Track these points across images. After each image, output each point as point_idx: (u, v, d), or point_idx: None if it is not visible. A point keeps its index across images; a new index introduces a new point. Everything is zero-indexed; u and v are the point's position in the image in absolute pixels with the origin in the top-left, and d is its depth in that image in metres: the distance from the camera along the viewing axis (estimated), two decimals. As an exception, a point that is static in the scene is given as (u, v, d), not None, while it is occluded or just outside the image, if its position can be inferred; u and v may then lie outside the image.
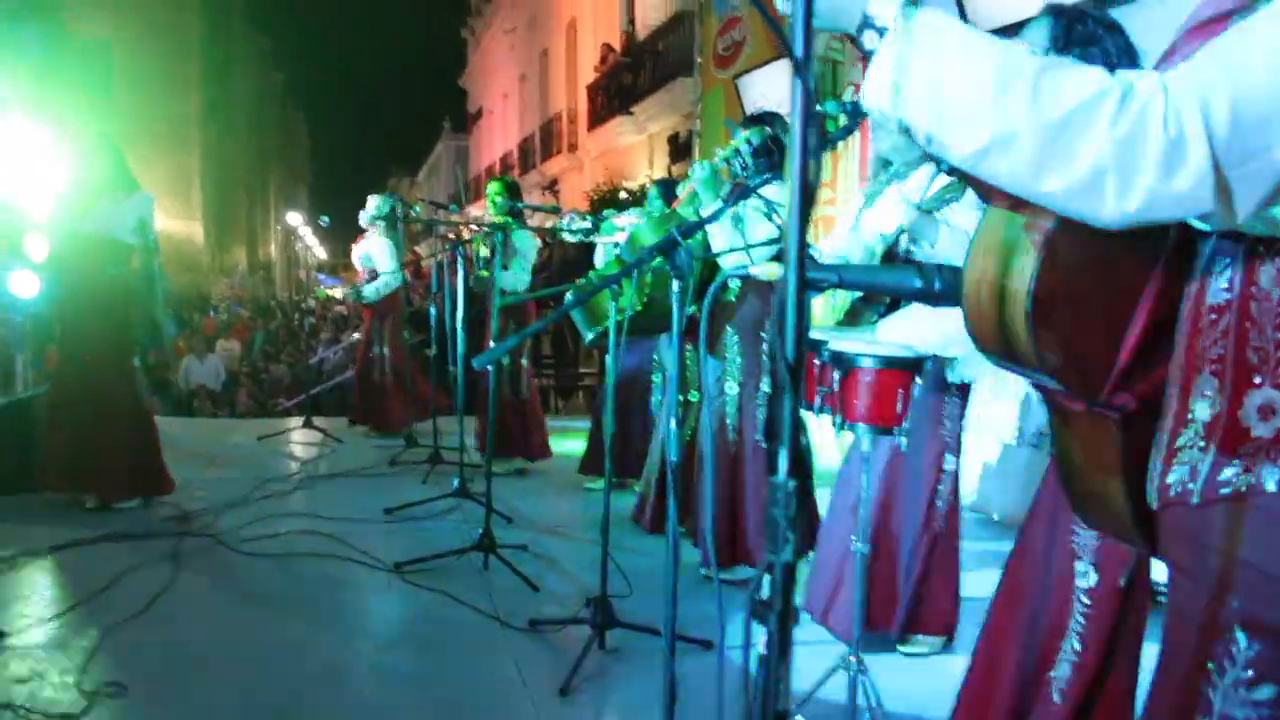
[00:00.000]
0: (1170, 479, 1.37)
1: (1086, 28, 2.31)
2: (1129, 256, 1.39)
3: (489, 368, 5.54)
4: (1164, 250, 1.39)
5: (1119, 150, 1.11)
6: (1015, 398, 5.55)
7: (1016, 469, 5.51)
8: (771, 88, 8.32)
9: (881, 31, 1.24)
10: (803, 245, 1.06)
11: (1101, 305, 1.41)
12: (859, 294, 3.35)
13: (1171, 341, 1.40)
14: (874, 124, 4.57)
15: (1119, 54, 2.32)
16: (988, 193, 1.44)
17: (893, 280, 1.70)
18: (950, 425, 3.43)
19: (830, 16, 1.27)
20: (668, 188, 5.85)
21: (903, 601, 3.52)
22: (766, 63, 8.46)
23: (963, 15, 5.68)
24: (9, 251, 7.34)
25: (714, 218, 2.50)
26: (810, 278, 1.81)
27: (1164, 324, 1.40)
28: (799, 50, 1.00)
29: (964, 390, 3.46)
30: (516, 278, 6.54)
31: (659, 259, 2.26)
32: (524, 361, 6.79)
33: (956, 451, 3.49)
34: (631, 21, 20.48)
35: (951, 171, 1.35)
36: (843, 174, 7.60)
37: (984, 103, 1.15)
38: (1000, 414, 5.65)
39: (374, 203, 8.13)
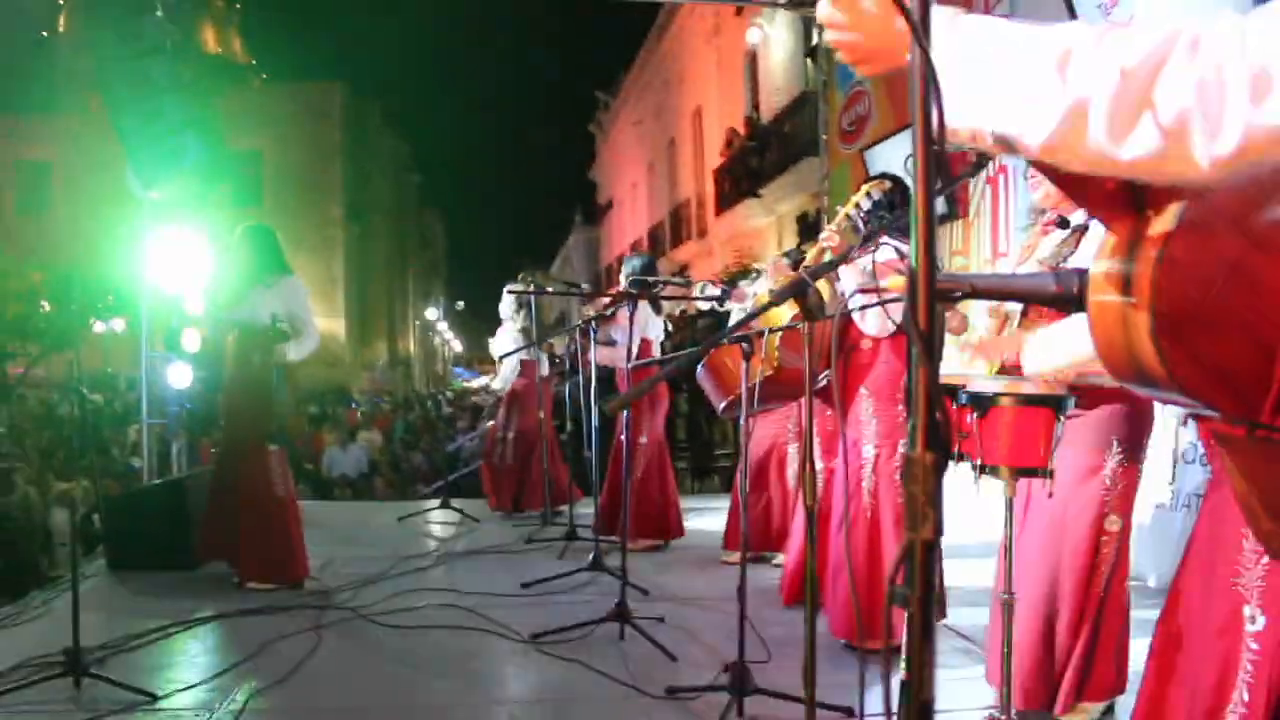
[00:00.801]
0: None
1: None
2: (1268, 257, 1.28)
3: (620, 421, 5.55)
4: None
5: (1198, 91, 1.04)
6: (1168, 458, 5.30)
7: (1172, 533, 5.24)
8: (898, 158, 8.27)
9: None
10: (931, 239, 1.03)
11: (1243, 314, 1.30)
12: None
13: None
14: (1025, 172, 4.48)
15: None
16: (1096, 208, 1.35)
17: (1028, 286, 1.63)
18: (1111, 482, 3.24)
19: (885, 60, 1.25)
20: (798, 258, 5.85)
21: (1068, 672, 3.34)
22: (893, 134, 8.44)
23: (1072, 15, 5.60)
24: (167, 344, 7.74)
25: (843, 259, 2.47)
26: (941, 285, 1.78)
27: None
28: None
29: (1132, 444, 3.26)
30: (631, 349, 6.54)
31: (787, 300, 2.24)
32: (642, 440, 6.71)
33: (1122, 511, 3.30)
34: (756, 106, 20.73)
35: (1061, 184, 1.27)
36: (975, 240, 7.48)
37: (1049, 82, 1.10)
38: (1153, 474, 5.39)
39: (509, 300, 8.30)
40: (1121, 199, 1.21)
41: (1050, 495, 2.83)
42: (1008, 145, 1.17)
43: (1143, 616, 4.66)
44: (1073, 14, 5.68)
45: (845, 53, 1.31)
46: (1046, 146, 1.13)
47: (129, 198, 7.60)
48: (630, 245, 33.36)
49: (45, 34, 34.80)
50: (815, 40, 13.79)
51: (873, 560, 4.35)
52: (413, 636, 4.67)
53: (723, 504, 7.53)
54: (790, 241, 18.22)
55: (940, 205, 7.49)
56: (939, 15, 1.21)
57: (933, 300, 0.97)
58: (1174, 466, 5.32)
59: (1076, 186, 1.22)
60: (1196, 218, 1.19)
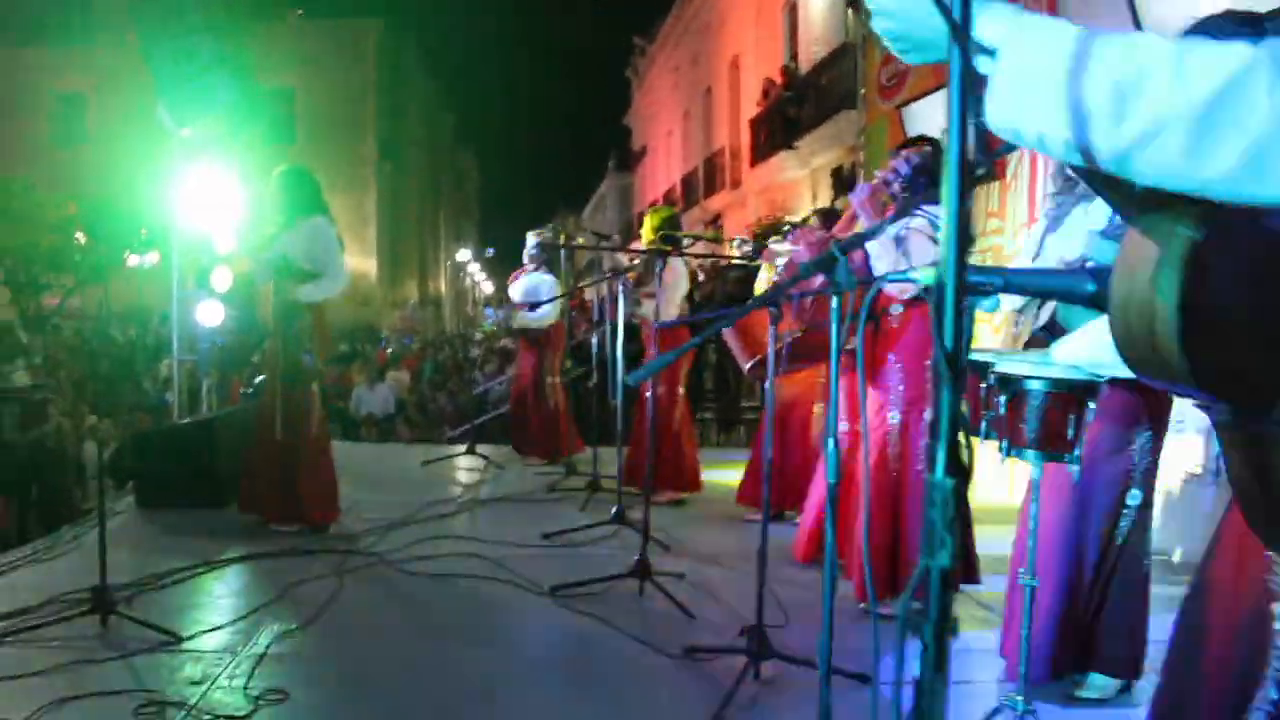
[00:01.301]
0: None
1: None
2: None
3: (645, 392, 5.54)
4: None
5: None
6: (1200, 430, 5.23)
7: (1202, 507, 5.19)
8: (936, 116, 8.15)
9: (993, 53, 1.17)
10: (964, 234, 1.01)
11: (1267, 313, 1.29)
12: (1035, 328, 3.21)
13: None
14: None
15: None
16: (1127, 203, 1.32)
17: (1063, 284, 1.60)
18: (1138, 459, 3.22)
19: (936, 50, 1.21)
20: (828, 216, 5.79)
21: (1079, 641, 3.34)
22: (931, 92, 8.30)
23: (1137, 25, 5.46)
24: (197, 283, 7.78)
25: (873, 233, 2.43)
26: (972, 281, 1.75)
27: None
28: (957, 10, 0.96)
29: (1159, 421, 3.25)
30: (665, 309, 6.51)
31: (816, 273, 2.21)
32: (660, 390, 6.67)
33: (1144, 486, 3.28)
34: (794, 56, 20.45)
35: (1090, 181, 1.23)
36: (1011, 203, 7.37)
37: (1127, 96, 1.07)
38: (1184, 447, 5.33)
39: (533, 239, 8.30)
40: (1151, 199, 1.19)
41: (1077, 483, 2.81)
42: (1073, 151, 1.13)
43: (1164, 593, 4.66)
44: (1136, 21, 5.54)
45: (892, 41, 1.28)
46: (1119, 159, 1.09)
47: (162, 132, 7.60)
48: (663, 192, 33.19)
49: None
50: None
51: (897, 525, 4.35)
52: (434, 585, 4.72)
53: (745, 457, 7.54)
54: (824, 195, 18.06)
55: (983, 163, 7.38)
56: (1002, 10, 1.18)
57: (960, 330, 0.95)
58: (1206, 437, 5.25)
59: (1109, 186, 1.19)
60: (1224, 218, 1.17)
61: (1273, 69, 1.02)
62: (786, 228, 6.14)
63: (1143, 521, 3.32)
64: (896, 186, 4.20)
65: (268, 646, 3.80)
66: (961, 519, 3.34)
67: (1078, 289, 1.56)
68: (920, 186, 4.19)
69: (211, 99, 7.49)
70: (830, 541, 2.35)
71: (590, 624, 4.20)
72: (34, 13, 32.74)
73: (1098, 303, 1.54)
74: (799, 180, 19.96)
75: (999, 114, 1.16)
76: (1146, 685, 3.29)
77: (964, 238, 0.99)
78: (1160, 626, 3.56)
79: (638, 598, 4.54)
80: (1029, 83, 1.13)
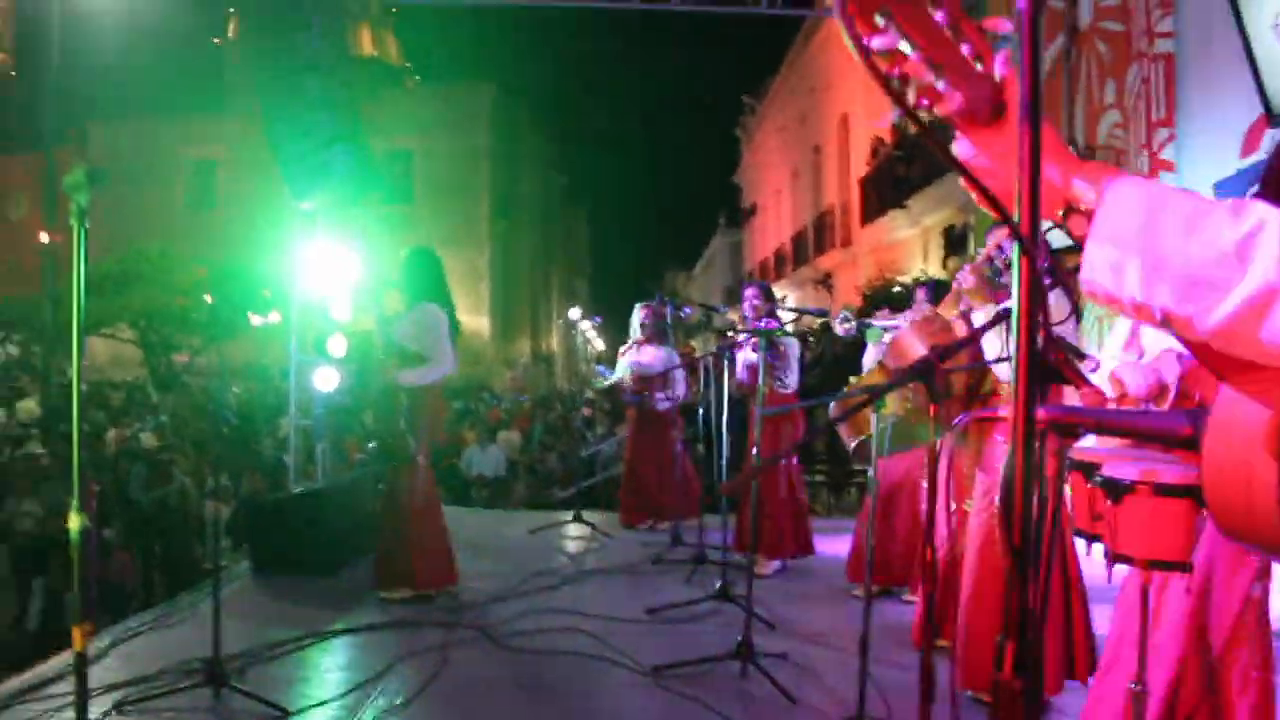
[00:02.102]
0: None
1: None
2: None
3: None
4: None
5: None
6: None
7: None
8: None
9: (1089, 214, 1.14)
10: (1033, 363, 0.98)
11: None
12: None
13: None
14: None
15: None
16: (1227, 372, 1.25)
17: (1158, 425, 1.54)
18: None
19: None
20: (936, 289, 5.72)
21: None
22: (1044, 155, 8.19)
23: (1258, 80, 5.29)
24: (314, 348, 8.01)
25: (969, 341, 2.38)
26: (1060, 422, 1.70)
27: None
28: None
29: None
30: (783, 383, 6.51)
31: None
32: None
33: (1266, 574, 3.12)
34: (904, 117, 20.33)
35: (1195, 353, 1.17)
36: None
37: (1229, 265, 1.02)
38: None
39: (639, 316, 8.33)
40: (1258, 369, 1.12)
41: (1189, 590, 2.69)
42: (1170, 324, 1.09)
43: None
44: (1244, 37, 5.40)
45: (982, 200, 1.26)
46: (1219, 332, 1.04)
47: (286, 199, 7.91)
48: (774, 250, 33.18)
49: (216, 40, 36.55)
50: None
51: (1002, 609, 4.22)
52: (537, 661, 4.73)
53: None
54: (935, 254, 17.86)
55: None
56: (1099, 168, 1.15)
57: (1028, 511, 0.92)
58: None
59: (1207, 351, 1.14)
60: None
61: None
62: (883, 317, 6.05)
63: (1265, 614, 3.16)
64: (1000, 264, 4.13)
65: (371, 725, 3.86)
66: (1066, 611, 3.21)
67: (1176, 431, 1.51)
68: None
69: (330, 174, 7.76)
70: (925, 648, 2.29)
71: (691, 707, 4.16)
72: (171, 82, 34.53)
73: (1194, 446, 1.48)
74: (910, 239, 19.78)
75: (1098, 282, 1.12)
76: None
77: (1032, 391, 0.97)
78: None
79: (739, 679, 4.48)
80: (1122, 251, 1.10)
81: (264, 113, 7.92)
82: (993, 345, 4.08)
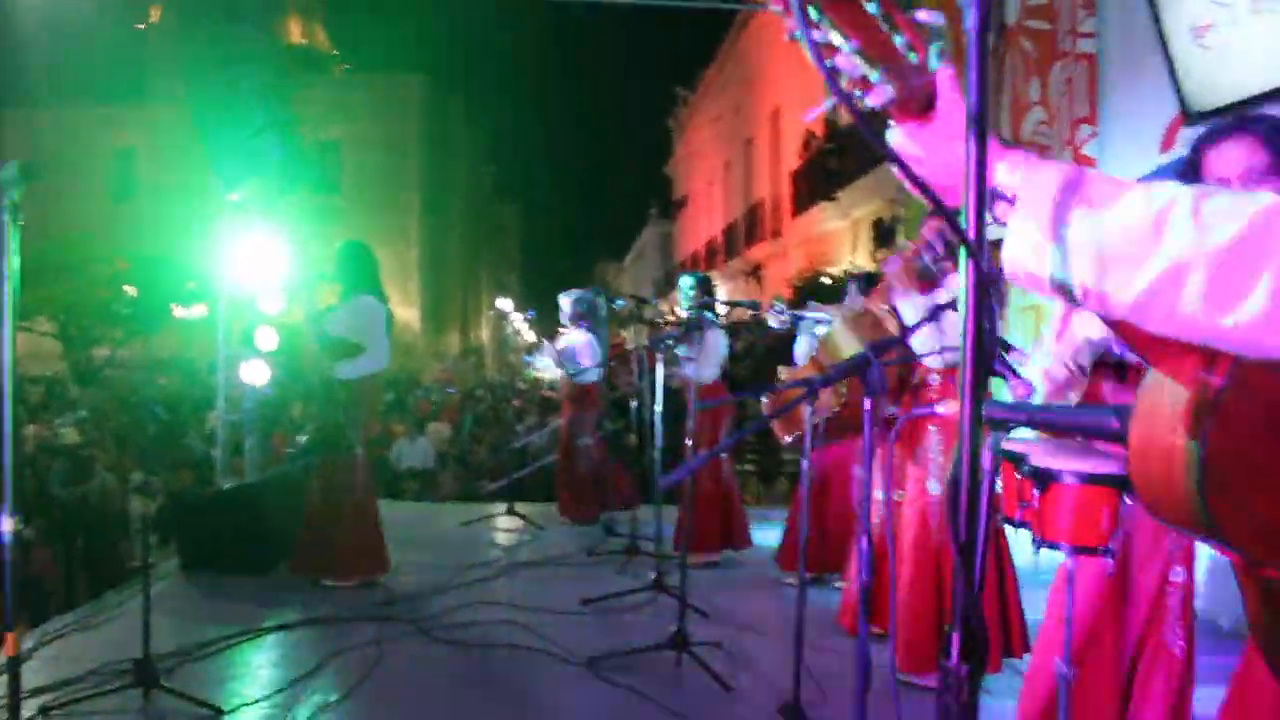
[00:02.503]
0: None
1: None
2: None
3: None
4: None
5: None
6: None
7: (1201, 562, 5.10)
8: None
9: (1012, 201, 1.18)
10: (980, 371, 1.02)
11: None
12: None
13: None
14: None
15: None
16: (1147, 351, 1.31)
17: (1088, 421, 1.61)
18: (1179, 536, 3.18)
19: (953, 196, 1.22)
20: (867, 281, 5.80)
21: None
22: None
23: (1175, 81, 5.43)
24: (242, 341, 7.89)
25: (901, 340, 2.42)
26: (997, 418, 1.75)
27: None
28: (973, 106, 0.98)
29: None
30: (701, 372, 6.54)
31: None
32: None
33: (1186, 562, 3.23)
34: (835, 108, 20.52)
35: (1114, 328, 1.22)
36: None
37: (1143, 242, 1.06)
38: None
39: (567, 303, 8.33)
40: (1175, 345, 1.18)
41: (1111, 574, 2.79)
42: (1089, 299, 1.14)
43: (1212, 662, 4.57)
44: (1163, 39, 5.53)
45: (915, 189, 1.29)
46: (1136, 306, 1.09)
47: (210, 188, 7.78)
48: (705, 242, 33.31)
49: (139, 26, 35.75)
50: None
51: (940, 597, 4.31)
52: (472, 654, 4.73)
53: (784, 515, 7.49)
54: (865, 246, 18.05)
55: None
56: (1017, 158, 1.19)
57: (976, 495, 0.96)
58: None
59: (1127, 330, 1.19)
60: (1244, 367, 1.16)
61: None
62: (813, 310, 6.11)
63: (1189, 597, 3.27)
64: (928, 259, 4.21)
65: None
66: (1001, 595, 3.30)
67: (1104, 426, 1.57)
68: (954, 258, 4.22)
69: (261, 163, 7.64)
70: (862, 637, 2.34)
71: (626, 698, 4.19)
72: (91, 68, 33.69)
73: (1123, 439, 1.54)
74: (840, 231, 19.99)
75: (1020, 261, 1.16)
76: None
77: (979, 387, 1.00)
78: (1204, 699, 3.51)
79: (675, 668, 4.52)
80: (1042, 231, 1.14)
81: (192, 101, 7.76)
82: (923, 338, 4.16)
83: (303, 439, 7.60)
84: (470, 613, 5.37)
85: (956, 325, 2.98)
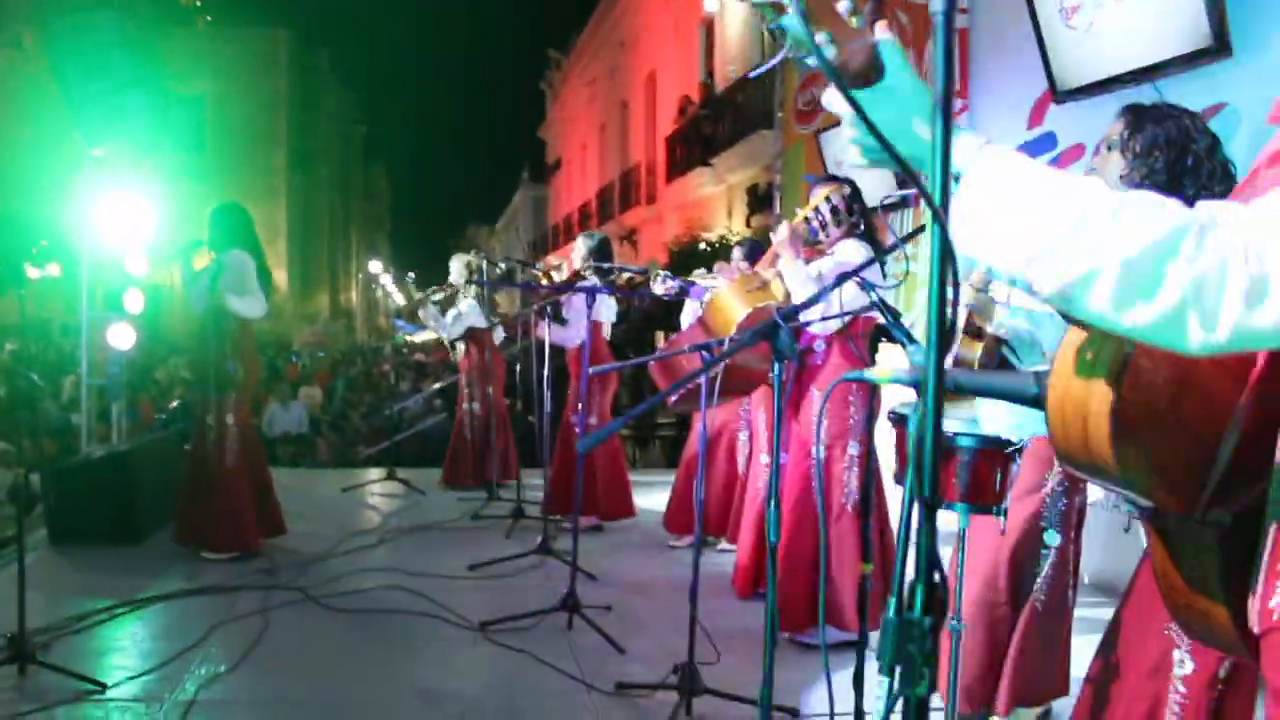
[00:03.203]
0: (1273, 602, 1.30)
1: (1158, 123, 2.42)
2: (1218, 369, 1.36)
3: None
4: (1255, 359, 1.36)
5: (1199, 285, 1.10)
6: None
7: (1099, 530, 5.38)
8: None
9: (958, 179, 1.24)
10: (943, 339, 1.07)
11: (1190, 420, 1.39)
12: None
13: (1271, 453, 1.33)
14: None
15: (1207, 154, 2.40)
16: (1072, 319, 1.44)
17: (1008, 387, 1.70)
18: (1051, 500, 3.35)
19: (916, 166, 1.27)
20: (753, 248, 5.89)
21: (1004, 677, 3.45)
22: (848, 119, 8.48)
23: (1045, 59, 5.62)
24: (106, 304, 7.61)
25: (810, 304, 2.48)
26: (913, 380, 1.83)
27: (1263, 434, 1.35)
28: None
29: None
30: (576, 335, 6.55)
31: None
32: (591, 420, 6.72)
33: (1061, 528, 3.40)
34: (710, 74, 20.66)
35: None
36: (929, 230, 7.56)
37: (1064, 241, 1.14)
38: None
39: (458, 266, 8.26)
40: None
41: (1003, 532, 2.92)
42: (1017, 284, 1.21)
43: (1077, 614, 4.81)
44: (1034, 18, 5.71)
45: (865, 152, 1.34)
46: (1054, 296, 1.18)
47: (62, 137, 7.45)
48: (578, 206, 33.21)
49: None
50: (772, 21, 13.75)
51: (818, 555, 4.43)
52: (362, 621, 4.69)
53: (663, 478, 7.59)
54: (740, 212, 18.25)
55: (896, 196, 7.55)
56: (969, 139, 1.25)
57: (936, 467, 1.01)
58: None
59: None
60: None
61: (1198, 238, 1.10)
62: (701, 271, 6.16)
63: (1064, 561, 3.44)
64: (815, 225, 4.32)
65: (196, 692, 3.74)
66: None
67: (1023, 391, 1.65)
68: (840, 222, 4.33)
69: (126, 116, 7.33)
70: (772, 595, 2.41)
71: (521, 660, 4.22)
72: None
73: (1040, 404, 1.63)
74: (715, 197, 20.16)
75: (959, 241, 1.23)
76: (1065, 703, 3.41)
77: (942, 354, 1.05)
78: (1076, 647, 3.72)
79: (567, 632, 4.57)
80: (985, 216, 1.20)
81: (50, 50, 7.41)
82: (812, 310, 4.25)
83: (176, 404, 7.39)
84: (357, 579, 5.32)
85: (846, 293, 3.06)
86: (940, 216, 1.02)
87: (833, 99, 1.29)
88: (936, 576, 1.02)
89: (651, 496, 7.20)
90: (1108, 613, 2.46)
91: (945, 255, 1.02)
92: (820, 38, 1.15)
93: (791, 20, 1.12)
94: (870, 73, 1.24)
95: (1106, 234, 1.12)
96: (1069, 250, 1.14)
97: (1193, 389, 1.37)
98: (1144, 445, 1.37)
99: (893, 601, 1.83)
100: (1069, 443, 1.44)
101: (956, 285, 1.06)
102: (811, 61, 1.17)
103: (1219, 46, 4.51)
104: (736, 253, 5.95)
